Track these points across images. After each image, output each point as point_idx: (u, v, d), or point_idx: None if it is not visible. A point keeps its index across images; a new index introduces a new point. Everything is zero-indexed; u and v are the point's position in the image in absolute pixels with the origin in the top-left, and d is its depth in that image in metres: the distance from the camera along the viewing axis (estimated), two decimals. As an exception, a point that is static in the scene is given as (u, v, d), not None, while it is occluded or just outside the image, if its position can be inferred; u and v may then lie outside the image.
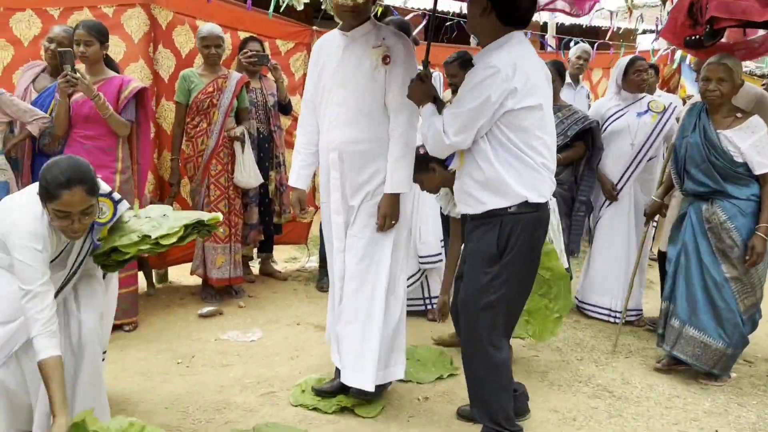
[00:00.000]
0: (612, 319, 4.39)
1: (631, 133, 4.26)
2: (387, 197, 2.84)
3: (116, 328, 3.68)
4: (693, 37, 3.49)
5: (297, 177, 3.08)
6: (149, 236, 2.41)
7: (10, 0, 3.98)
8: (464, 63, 4.02)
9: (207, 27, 4.37)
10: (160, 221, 2.51)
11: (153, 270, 4.84)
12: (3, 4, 3.96)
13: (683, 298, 3.47)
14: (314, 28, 5.39)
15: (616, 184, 4.33)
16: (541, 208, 2.52)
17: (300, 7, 5.30)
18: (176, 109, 4.44)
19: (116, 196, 2.46)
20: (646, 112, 4.28)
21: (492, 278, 2.50)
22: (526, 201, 2.45)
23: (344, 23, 2.88)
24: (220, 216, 2.64)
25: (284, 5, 4.90)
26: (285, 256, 5.92)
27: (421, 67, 2.82)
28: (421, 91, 2.65)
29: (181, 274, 5.05)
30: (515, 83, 2.36)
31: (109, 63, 3.81)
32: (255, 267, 5.37)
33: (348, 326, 2.90)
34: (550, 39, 8.47)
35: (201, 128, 4.39)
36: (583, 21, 8.21)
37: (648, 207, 3.98)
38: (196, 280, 4.78)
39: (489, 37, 2.50)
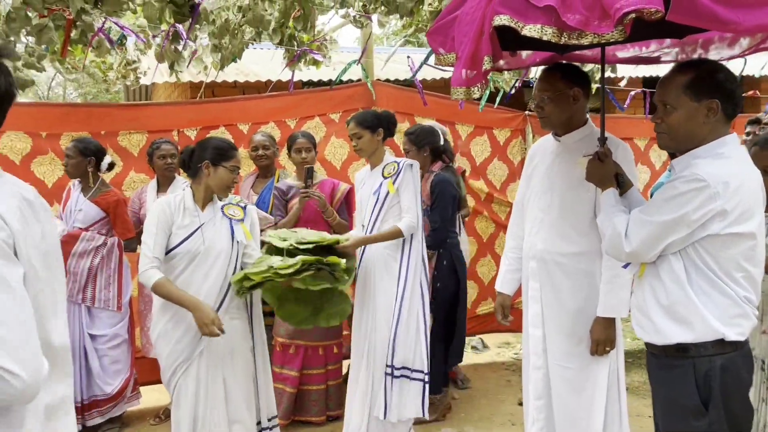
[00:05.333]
0: None
1: None
2: (600, 321, 2.55)
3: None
4: None
5: (502, 281, 2.96)
6: (272, 266, 2.77)
7: (258, 114, 4.54)
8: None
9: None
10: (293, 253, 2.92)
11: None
12: (249, 119, 4.54)
13: None
14: (526, 113, 5.35)
15: None
16: (741, 347, 2.00)
17: (512, 91, 5.33)
18: None
19: (242, 202, 3.07)
20: None
21: None
22: (722, 339, 1.95)
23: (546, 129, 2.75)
24: (341, 261, 2.89)
25: (499, 96, 4.94)
26: (497, 341, 5.78)
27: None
28: (602, 173, 2.28)
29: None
30: (726, 204, 1.89)
31: None
32: (467, 352, 5.31)
33: None
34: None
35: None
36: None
37: None
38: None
39: (699, 140, 2.01)
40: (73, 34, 3.32)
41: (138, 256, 2.98)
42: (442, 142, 4.17)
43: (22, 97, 13.22)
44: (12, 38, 3.17)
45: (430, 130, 4.16)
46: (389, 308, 3.31)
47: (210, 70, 4.61)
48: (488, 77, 2.03)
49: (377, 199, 3.36)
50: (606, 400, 2.58)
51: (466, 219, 4.67)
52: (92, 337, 3.89)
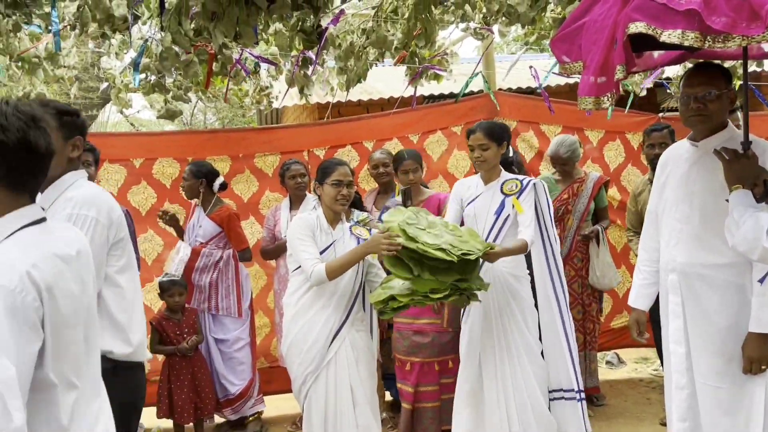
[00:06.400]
0: None
1: None
2: (753, 337, 2.33)
3: None
4: None
5: (636, 296, 2.78)
6: (418, 290, 2.72)
7: (382, 131, 4.66)
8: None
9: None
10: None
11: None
12: (374, 137, 4.67)
13: None
14: (660, 116, 5.07)
15: None
16: None
17: (642, 93, 5.08)
18: None
19: (369, 225, 3.23)
20: None
21: None
22: None
23: (695, 131, 2.52)
24: (487, 285, 2.86)
25: (630, 100, 4.73)
26: (634, 356, 5.48)
27: None
28: (749, 172, 2.12)
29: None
30: None
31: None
32: (602, 367, 5.07)
33: None
34: None
35: (555, 234, 4.41)
36: None
37: None
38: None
39: None
40: (215, 66, 3.61)
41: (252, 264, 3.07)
42: (511, 154, 4.10)
43: (169, 126, 14.45)
44: (164, 74, 3.51)
45: None
46: (522, 332, 3.27)
47: (336, 91, 4.81)
48: (619, 85, 1.95)
49: (497, 218, 3.28)
50: (764, 421, 2.36)
51: (607, 229, 4.48)
52: (217, 341, 4.21)
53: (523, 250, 3.20)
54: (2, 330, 1.28)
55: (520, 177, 3.37)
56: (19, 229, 1.43)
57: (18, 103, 1.47)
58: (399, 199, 4.09)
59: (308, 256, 2.94)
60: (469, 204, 3.41)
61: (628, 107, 4.91)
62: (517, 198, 3.25)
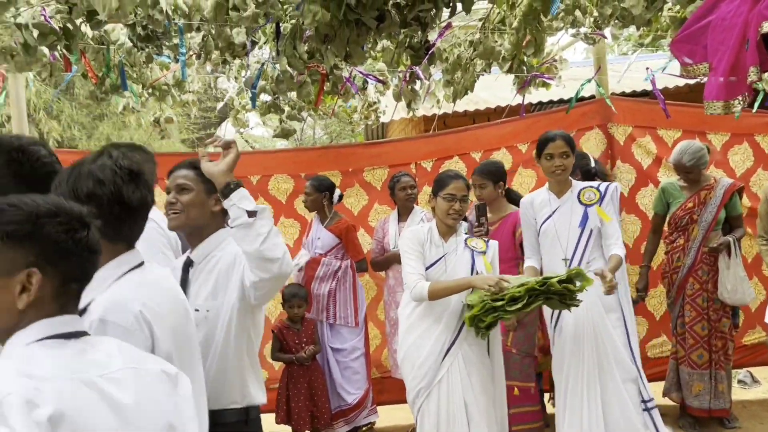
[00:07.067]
0: None
1: None
2: None
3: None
4: None
5: None
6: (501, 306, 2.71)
7: (489, 141, 4.63)
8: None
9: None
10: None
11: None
12: (481, 147, 4.64)
13: None
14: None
15: None
16: None
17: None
18: (653, 219, 4.31)
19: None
20: None
21: None
22: None
23: None
24: (587, 283, 2.71)
25: (759, 99, 4.39)
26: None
27: None
28: None
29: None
30: None
31: (510, 197, 3.93)
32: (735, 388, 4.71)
33: None
34: None
35: (677, 245, 4.14)
36: None
37: None
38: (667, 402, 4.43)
39: None
40: (326, 86, 3.75)
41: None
42: (593, 164, 3.87)
43: (280, 143, 15.08)
44: (279, 95, 3.69)
45: (579, 154, 3.90)
46: (625, 344, 3.18)
47: (442, 103, 4.83)
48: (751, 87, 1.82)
49: (582, 231, 3.17)
50: None
51: (740, 240, 4.17)
52: (335, 350, 4.31)
53: (621, 265, 3.09)
54: None
55: (595, 184, 3.25)
56: (123, 275, 1.54)
57: (121, 156, 1.55)
58: (472, 217, 3.94)
59: (411, 270, 2.97)
60: (546, 220, 3.28)
61: (756, 107, 4.56)
62: (600, 206, 3.14)
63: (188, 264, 2.12)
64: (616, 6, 3.36)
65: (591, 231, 3.17)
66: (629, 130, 4.54)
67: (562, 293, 2.78)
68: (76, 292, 1.21)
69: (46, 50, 3.24)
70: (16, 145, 1.60)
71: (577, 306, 2.89)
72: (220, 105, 8.52)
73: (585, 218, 3.17)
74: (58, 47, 3.05)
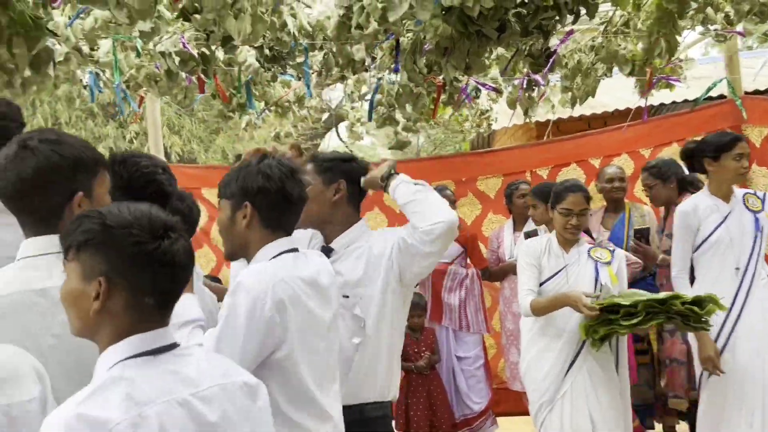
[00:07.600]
0: None
1: None
2: None
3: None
4: None
5: None
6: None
7: (610, 147, 4.48)
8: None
9: None
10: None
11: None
12: (601, 153, 4.48)
13: None
14: None
15: None
16: None
17: None
18: None
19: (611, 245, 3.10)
20: None
21: None
22: None
23: None
24: (717, 308, 2.56)
25: None
26: None
27: None
28: None
29: None
30: None
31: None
32: None
33: None
34: None
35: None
36: None
37: None
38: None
39: None
40: (442, 98, 3.78)
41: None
42: (686, 173, 3.60)
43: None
44: (395, 107, 3.76)
45: (671, 161, 3.79)
46: None
47: (557, 108, 4.72)
48: None
49: (756, 237, 2.93)
50: None
51: None
52: (459, 359, 4.29)
53: None
54: (238, 323, 1.59)
55: (750, 190, 3.11)
56: (277, 255, 1.71)
57: (278, 160, 1.76)
58: (543, 228, 3.80)
59: (522, 284, 2.96)
60: (716, 229, 2.96)
61: None
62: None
63: (326, 252, 2.13)
64: (755, 1, 3.15)
65: (762, 239, 2.95)
66: (765, 131, 4.23)
67: (685, 314, 2.64)
68: (154, 307, 1.16)
69: (183, 74, 3.50)
70: (119, 159, 1.77)
71: (707, 330, 2.75)
72: (325, 116, 8.79)
73: (757, 224, 2.94)
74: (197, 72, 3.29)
